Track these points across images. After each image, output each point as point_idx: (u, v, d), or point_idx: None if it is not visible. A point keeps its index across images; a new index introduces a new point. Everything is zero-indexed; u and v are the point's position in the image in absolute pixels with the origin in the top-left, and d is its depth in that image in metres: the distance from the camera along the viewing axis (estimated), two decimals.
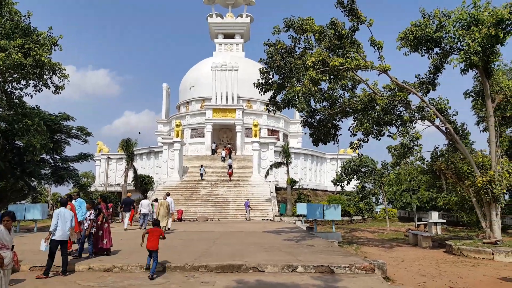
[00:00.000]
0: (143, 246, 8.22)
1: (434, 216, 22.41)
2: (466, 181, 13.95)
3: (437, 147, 16.33)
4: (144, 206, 18.70)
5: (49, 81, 18.46)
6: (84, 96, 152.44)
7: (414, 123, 14.95)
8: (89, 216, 10.00)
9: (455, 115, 14.85)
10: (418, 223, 27.40)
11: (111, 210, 23.40)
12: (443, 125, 14.33)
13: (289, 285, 6.85)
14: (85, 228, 9.83)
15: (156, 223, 8.88)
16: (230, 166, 35.19)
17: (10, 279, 5.93)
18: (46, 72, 18.04)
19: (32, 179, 25.60)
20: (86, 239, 9.87)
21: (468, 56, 11.98)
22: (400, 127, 15.08)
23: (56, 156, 25.86)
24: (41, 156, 22.90)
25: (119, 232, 16.53)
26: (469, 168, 13.88)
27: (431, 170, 16.16)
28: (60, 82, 18.60)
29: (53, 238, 8.19)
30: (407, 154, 14.98)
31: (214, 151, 39.74)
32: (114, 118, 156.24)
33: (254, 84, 14.64)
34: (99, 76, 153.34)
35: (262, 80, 14.36)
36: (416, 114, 14.72)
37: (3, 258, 5.45)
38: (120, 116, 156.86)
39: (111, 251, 10.35)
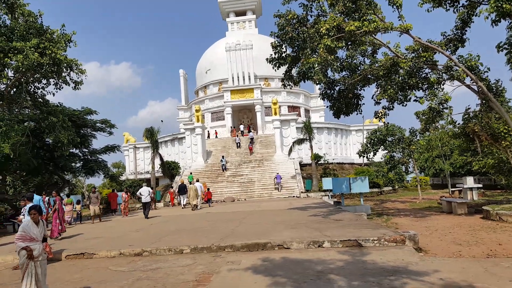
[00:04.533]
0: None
1: (469, 181, 21.39)
2: (503, 142, 13.05)
3: (469, 108, 15.31)
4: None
5: (67, 78, 18.81)
6: (109, 90, 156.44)
7: (443, 85, 13.97)
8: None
9: (487, 72, 13.71)
10: (452, 189, 26.40)
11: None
12: (474, 83, 13.30)
13: (315, 261, 6.69)
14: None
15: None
16: (251, 139, 35.37)
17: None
18: (64, 69, 18.36)
19: (65, 172, 26.83)
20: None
21: (500, 4, 10.87)
22: (427, 90, 14.18)
23: (84, 150, 26.80)
24: (70, 150, 23.78)
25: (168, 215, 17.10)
26: (506, 127, 12.94)
27: (464, 133, 15.23)
28: (78, 78, 18.93)
29: None
30: (436, 118, 14.11)
31: (239, 145, 36.59)
32: (139, 109, 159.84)
33: (267, 59, 14.14)
34: (121, 70, 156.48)
35: (275, 54, 13.80)
36: (443, 74, 13.73)
37: (32, 250, 5.58)
38: (144, 107, 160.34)
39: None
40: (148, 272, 6.79)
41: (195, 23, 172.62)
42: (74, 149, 25.36)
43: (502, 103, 15.03)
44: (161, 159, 32.45)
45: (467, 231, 10.37)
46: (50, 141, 22.09)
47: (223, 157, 32.90)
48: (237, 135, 38.23)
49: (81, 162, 26.78)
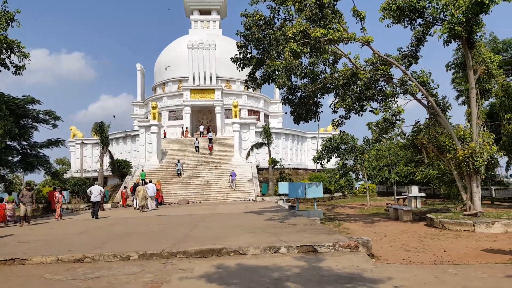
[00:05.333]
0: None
1: (414, 190, 22.70)
2: (447, 154, 13.91)
3: (418, 122, 16.25)
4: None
5: (7, 61, 17.09)
6: (58, 80, 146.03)
7: (396, 98, 14.69)
8: None
9: (437, 89, 14.67)
10: (398, 197, 27.85)
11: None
12: (425, 98, 14.13)
13: (272, 268, 6.47)
14: None
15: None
16: (210, 140, 34.93)
17: None
18: (3, 51, 16.66)
19: (0, 167, 24.20)
20: None
21: (452, 27, 11.64)
22: (382, 102, 14.80)
23: (23, 143, 24.49)
24: (7, 142, 21.59)
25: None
26: (451, 141, 13.83)
27: (413, 144, 16.08)
28: (20, 62, 17.28)
29: None
30: (389, 129, 14.77)
31: (197, 148, 35.19)
32: (90, 103, 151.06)
33: (231, 59, 13.86)
34: (73, 60, 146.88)
35: (240, 54, 13.58)
36: (398, 88, 14.44)
37: None
38: (96, 101, 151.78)
39: None
40: (88, 281, 6.12)
41: (156, 17, 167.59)
42: (12, 141, 23.08)
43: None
44: (111, 156, 30.59)
45: (414, 238, 10.82)
46: None
47: (178, 161, 31.14)
48: (196, 138, 36.88)
49: (19, 156, 24.37)
